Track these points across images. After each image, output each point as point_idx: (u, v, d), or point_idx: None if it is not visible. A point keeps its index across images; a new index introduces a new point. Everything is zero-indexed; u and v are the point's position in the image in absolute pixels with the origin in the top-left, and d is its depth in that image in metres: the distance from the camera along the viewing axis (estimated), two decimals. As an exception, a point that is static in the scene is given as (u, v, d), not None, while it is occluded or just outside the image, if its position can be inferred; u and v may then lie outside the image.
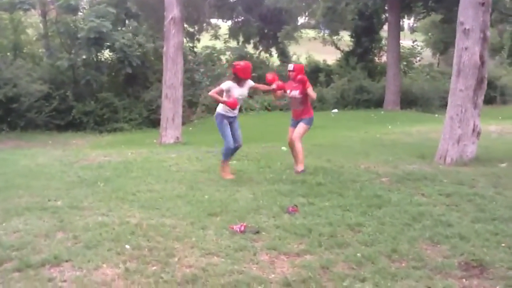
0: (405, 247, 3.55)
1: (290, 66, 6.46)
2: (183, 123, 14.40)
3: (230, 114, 6.09)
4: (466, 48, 7.01)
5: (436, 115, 19.01)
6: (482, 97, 7.21)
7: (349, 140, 10.55)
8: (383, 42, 26.02)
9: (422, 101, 21.36)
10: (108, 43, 17.62)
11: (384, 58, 26.18)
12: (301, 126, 6.36)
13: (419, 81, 22.75)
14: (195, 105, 18.98)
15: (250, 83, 6.18)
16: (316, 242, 3.70)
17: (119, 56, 17.48)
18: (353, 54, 24.37)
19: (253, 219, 4.26)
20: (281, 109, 20.34)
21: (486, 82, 7.22)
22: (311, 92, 6.24)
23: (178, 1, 11.81)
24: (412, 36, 31.91)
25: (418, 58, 27.77)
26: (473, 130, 7.18)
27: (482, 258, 3.35)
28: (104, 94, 17.39)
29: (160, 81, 13.88)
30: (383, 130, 13.11)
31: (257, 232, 3.92)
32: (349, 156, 8.04)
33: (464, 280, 3.12)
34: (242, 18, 25.93)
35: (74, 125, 16.94)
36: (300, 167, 6.26)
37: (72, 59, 17.31)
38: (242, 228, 3.94)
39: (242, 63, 6.19)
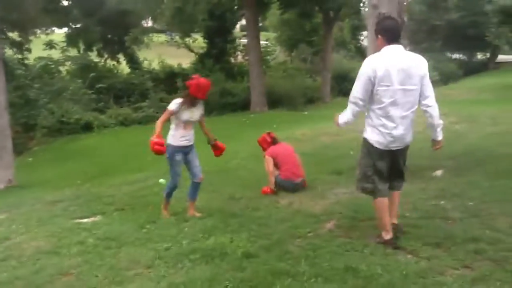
0: None
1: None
2: (19, 153, 11.48)
3: (184, 143, 4.73)
4: (383, 37, 5.67)
5: (306, 113, 18.39)
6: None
7: (238, 157, 8.75)
8: (237, 42, 25.07)
9: (286, 99, 20.69)
10: None
11: (239, 59, 25.20)
12: None
13: (279, 79, 22.11)
14: (33, 128, 15.61)
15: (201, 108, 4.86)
16: None
17: None
18: (208, 56, 22.98)
19: None
20: (139, 123, 17.82)
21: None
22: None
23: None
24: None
25: (273, 56, 27.47)
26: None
27: None
28: None
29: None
30: (266, 138, 11.66)
31: None
32: (254, 185, 6.20)
33: None
34: (80, 24, 22.51)
35: None
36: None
37: None
38: None
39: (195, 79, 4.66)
